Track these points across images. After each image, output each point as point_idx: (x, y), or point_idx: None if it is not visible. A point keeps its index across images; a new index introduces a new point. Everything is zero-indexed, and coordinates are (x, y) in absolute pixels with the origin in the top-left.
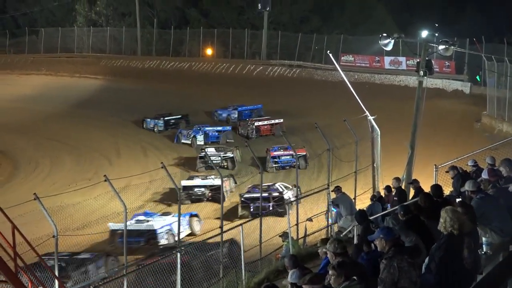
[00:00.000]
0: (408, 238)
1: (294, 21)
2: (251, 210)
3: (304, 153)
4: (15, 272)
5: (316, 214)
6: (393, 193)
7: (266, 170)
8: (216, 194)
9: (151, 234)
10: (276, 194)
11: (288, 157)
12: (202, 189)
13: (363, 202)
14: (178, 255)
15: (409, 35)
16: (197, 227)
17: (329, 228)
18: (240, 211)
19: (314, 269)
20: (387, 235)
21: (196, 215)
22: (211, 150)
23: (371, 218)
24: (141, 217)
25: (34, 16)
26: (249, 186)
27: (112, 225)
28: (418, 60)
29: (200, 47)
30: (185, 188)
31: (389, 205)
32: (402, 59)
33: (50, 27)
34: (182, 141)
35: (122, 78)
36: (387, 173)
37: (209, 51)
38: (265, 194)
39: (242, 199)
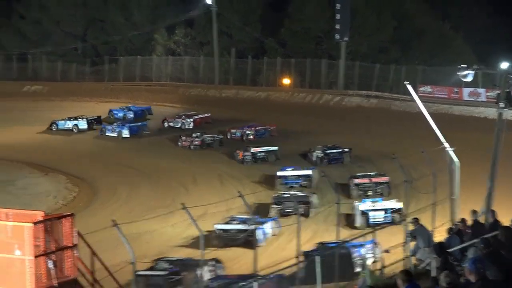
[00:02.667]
0: (489, 272)
1: (372, 52)
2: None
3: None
4: None
5: (393, 246)
6: (470, 226)
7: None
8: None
9: None
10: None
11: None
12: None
13: (441, 235)
14: (255, 283)
15: (489, 66)
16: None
17: (407, 260)
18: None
19: None
20: (472, 266)
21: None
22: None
23: (449, 250)
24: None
25: (114, 45)
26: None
27: None
28: (498, 91)
29: (277, 76)
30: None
31: (465, 238)
32: (481, 90)
33: (129, 56)
34: (107, 134)
35: (199, 107)
36: (465, 205)
37: (286, 81)
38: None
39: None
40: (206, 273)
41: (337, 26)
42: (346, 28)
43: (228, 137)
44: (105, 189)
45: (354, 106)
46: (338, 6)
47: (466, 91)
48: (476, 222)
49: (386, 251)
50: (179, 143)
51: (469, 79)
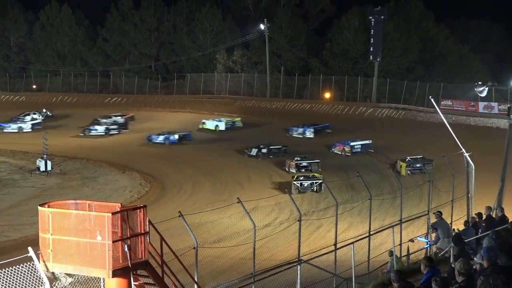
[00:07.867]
0: (499, 260)
1: (400, 70)
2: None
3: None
4: (162, 277)
5: (417, 236)
6: (483, 220)
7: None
8: None
9: None
10: None
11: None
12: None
13: (458, 227)
14: (299, 267)
15: (501, 83)
16: None
17: (429, 249)
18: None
19: (416, 283)
20: (485, 253)
21: None
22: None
23: (465, 241)
24: None
25: (182, 63)
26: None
27: None
28: (509, 105)
29: (319, 91)
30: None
31: (480, 230)
32: (494, 104)
33: (195, 73)
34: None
35: (253, 116)
36: (479, 202)
37: (327, 95)
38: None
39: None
40: None
41: (371, 49)
42: (379, 50)
43: None
44: (173, 185)
45: (385, 117)
46: (372, 31)
47: (481, 104)
48: (489, 216)
49: (411, 240)
50: None
51: (484, 94)
